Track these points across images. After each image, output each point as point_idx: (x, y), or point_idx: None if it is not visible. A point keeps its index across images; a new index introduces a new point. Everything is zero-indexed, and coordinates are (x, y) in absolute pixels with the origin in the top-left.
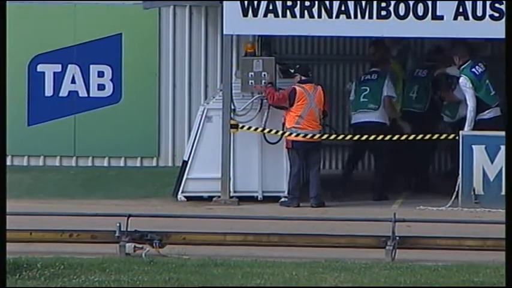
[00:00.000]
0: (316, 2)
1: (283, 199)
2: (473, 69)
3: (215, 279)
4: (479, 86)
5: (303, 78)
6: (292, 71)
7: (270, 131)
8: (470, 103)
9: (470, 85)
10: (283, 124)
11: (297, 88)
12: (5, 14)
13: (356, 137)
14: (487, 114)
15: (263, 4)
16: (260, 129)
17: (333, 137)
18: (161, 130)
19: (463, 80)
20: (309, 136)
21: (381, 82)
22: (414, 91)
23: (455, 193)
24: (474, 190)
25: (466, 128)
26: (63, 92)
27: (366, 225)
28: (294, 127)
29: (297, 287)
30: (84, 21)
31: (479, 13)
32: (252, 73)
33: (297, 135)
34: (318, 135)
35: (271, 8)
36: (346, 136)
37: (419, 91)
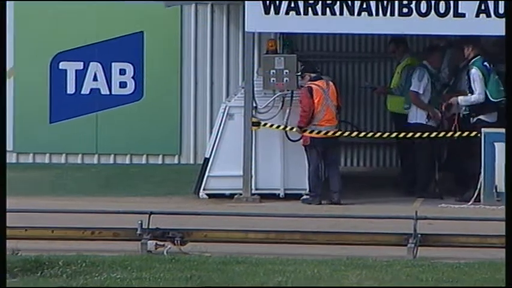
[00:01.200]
0: (338, 0)
1: (304, 196)
2: (485, 63)
3: (237, 276)
4: (489, 79)
5: (312, 75)
6: (299, 73)
7: (292, 128)
8: (477, 90)
9: (482, 76)
10: (300, 126)
11: (313, 86)
12: (5, 14)
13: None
14: (485, 118)
15: (285, 2)
16: (282, 126)
17: (358, 134)
18: (183, 128)
19: (475, 71)
20: (330, 133)
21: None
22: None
23: (477, 190)
24: (496, 187)
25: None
26: (85, 90)
27: (387, 223)
28: (313, 124)
29: (318, 286)
30: (106, 19)
31: (501, 10)
32: (274, 71)
33: (318, 132)
34: (332, 132)
35: (292, 5)
36: (368, 133)
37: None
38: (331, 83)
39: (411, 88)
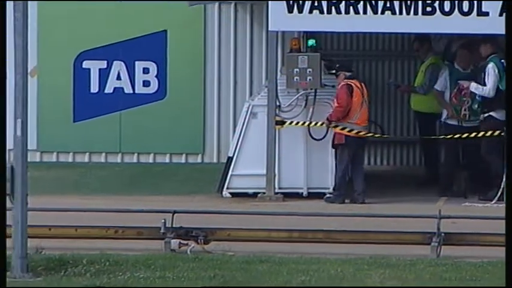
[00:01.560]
0: None
1: (328, 195)
2: (502, 61)
3: (260, 275)
4: (504, 77)
5: (347, 74)
6: (334, 71)
7: (316, 123)
8: (489, 84)
9: (497, 73)
10: (330, 120)
11: (352, 84)
12: (5, 14)
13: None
14: (496, 115)
15: (308, 1)
16: (307, 123)
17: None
18: (206, 127)
19: (492, 66)
20: (362, 133)
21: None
22: None
23: (500, 189)
24: None
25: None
26: (109, 89)
27: (411, 222)
28: (349, 122)
29: (341, 287)
30: (130, 18)
31: None
32: (297, 69)
33: (357, 132)
34: (365, 132)
35: (316, 4)
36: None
37: None
38: (362, 83)
39: (434, 86)
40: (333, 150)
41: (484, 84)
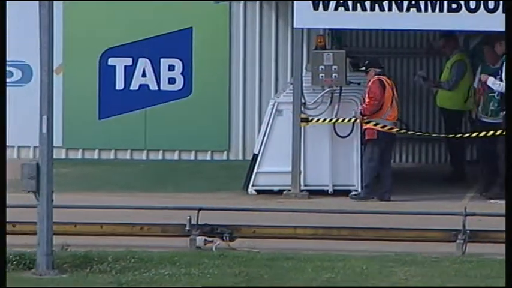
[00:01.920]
0: None
1: (354, 192)
2: None
3: (285, 272)
4: None
5: (377, 70)
6: (363, 68)
7: (343, 120)
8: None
9: None
10: (362, 115)
11: (383, 80)
12: (5, 13)
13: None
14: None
15: None
16: (333, 120)
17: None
18: (232, 124)
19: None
20: (395, 130)
21: None
22: None
23: None
24: None
25: (489, 80)
26: (134, 86)
27: (436, 219)
28: (381, 118)
29: (366, 287)
30: (155, 15)
31: None
32: (323, 66)
33: (383, 127)
34: (392, 128)
35: (341, 1)
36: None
37: None
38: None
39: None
40: (359, 147)
41: (501, 80)
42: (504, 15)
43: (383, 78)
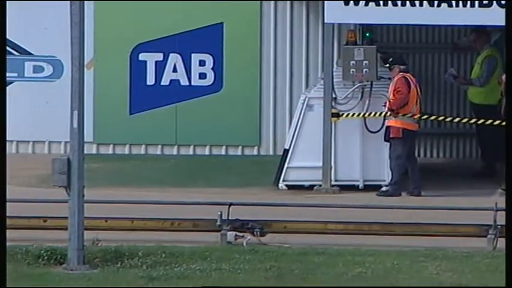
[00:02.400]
0: None
1: (384, 188)
2: None
3: (316, 267)
4: None
5: (402, 67)
6: (388, 65)
7: (375, 114)
8: None
9: None
10: (391, 111)
11: (408, 77)
12: (5, 13)
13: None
14: None
15: None
16: (362, 114)
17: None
18: (262, 119)
19: None
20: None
21: None
22: None
23: None
24: None
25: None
26: (165, 81)
27: (467, 214)
28: (406, 115)
29: (397, 285)
30: (186, 10)
31: None
32: (353, 62)
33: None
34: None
35: None
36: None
37: None
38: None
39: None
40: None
41: None
42: None
43: (407, 75)
